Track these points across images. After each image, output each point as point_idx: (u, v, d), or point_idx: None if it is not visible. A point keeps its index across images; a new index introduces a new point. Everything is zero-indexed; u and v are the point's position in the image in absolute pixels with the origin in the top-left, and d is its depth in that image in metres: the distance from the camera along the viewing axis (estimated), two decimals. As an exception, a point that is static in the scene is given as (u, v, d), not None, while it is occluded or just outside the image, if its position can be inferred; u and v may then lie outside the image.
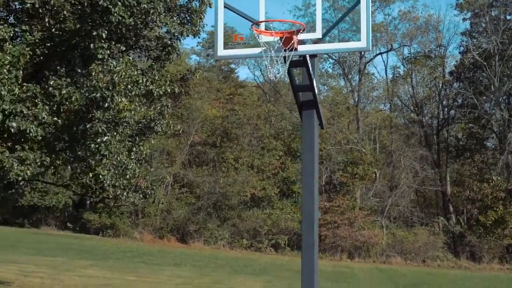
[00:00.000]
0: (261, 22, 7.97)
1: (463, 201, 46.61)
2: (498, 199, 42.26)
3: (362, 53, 49.55)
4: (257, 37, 8.07)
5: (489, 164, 45.12)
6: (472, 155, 46.35)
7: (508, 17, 46.04)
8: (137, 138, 13.57)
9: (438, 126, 49.81)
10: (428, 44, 50.94)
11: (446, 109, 50.20)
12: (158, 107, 13.35)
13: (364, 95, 53.91)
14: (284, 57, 7.95)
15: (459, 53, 49.82)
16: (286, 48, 7.86)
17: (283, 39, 7.90)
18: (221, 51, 8.27)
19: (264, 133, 47.48)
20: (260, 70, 56.15)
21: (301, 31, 7.84)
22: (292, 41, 7.84)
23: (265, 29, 7.98)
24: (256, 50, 8.10)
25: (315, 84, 8.63)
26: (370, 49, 7.69)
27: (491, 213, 41.70)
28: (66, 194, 43.19)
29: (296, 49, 7.85)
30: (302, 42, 8.03)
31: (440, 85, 49.88)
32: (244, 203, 45.32)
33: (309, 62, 8.29)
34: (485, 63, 44.02)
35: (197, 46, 58.76)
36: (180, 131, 14.06)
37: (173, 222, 44.72)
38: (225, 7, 8.25)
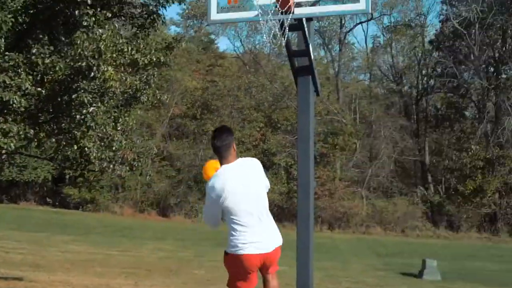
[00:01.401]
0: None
1: (442, 170, 46.91)
2: (477, 168, 42.54)
3: (343, 22, 49.34)
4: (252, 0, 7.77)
5: (468, 134, 45.28)
6: (452, 125, 46.55)
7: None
8: (122, 109, 13.21)
9: (417, 95, 49.84)
10: (408, 13, 50.83)
11: (425, 79, 50.22)
12: (145, 77, 12.99)
13: (344, 65, 53.76)
14: (281, 22, 7.66)
15: (439, 21, 49.81)
16: (283, 10, 7.56)
17: (279, 1, 7.60)
18: (215, 15, 7.95)
19: (244, 105, 47.17)
20: (241, 41, 55.76)
21: (298, -7, 7.56)
22: (289, 3, 7.55)
23: (261, -10, 7.68)
24: (251, 14, 7.79)
25: (311, 50, 8.37)
26: (369, 11, 7.42)
27: (470, 182, 41.97)
28: (45, 169, 42.64)
29: (293, 12, 7.56)
30: (299, 4, 7.74)
31: (420, 54, 49.83)
32: (225, 176, 45.11)
33: (305, 26, 8.01)
34: (465, 32, 43.97)
35: (177, 15, 58.14)
36: (167, 101, 13.73)
37: (153, 195, 44.45)
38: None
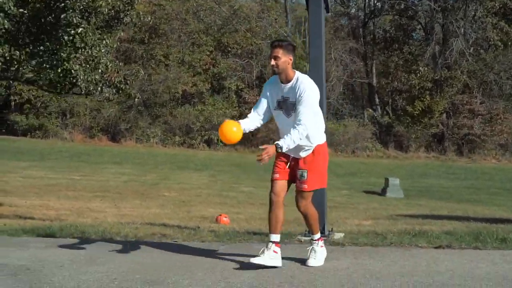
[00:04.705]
0: None
1: (389, 92, 47.68)
2: (425, 89, 43.33)
3: None
4: None
5: (416, 56, 45.87)
6: (400, 47, 47.02)
7: None
8: (104, 30, 12.88)
9: (365, 18, 49.93)
10: None
11: (373, 1, 50.27)
12: (128, -4, 12.64)
13: (291, -13, 53.33)
14: None
15: None
16: None
17: None
18: None
19: (193, 29, 46.41)
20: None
21: None
22: None
23: None
24: None
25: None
26: None
27: (418, 103, 42.81)
28: (-10, 95, 41.43)
29: None
30: None
31: (368, -25, 49.73)
32: (175, 100, 44.83)
33: None
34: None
35: None
36: (150, 23, 13.43)
37: (103, 121, 43.82)
38: None
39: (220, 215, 12.46)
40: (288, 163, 5.64)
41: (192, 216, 13.84)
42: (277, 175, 5.60)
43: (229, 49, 46.48)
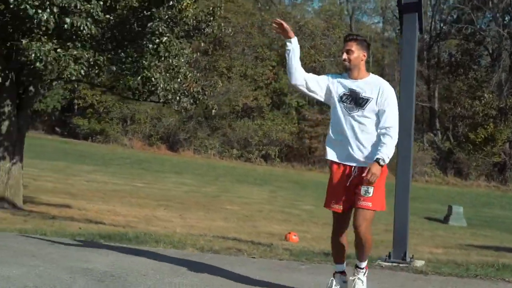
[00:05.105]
0: None
1: (451, 118, 46.88)
2: (489, 116, 42.51)
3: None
4: None
5: (481, 82, 45.04)
6: (465, 72, 46.23)
7: None
8: (183, 40, 12.92)
9: (430, 41, 49.31)
10: (425, -44, 49.86)
11: (440, 24, 49.65)
12: (211, 8, 12.66)
13: (358, 7, 53.12)
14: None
15: (457, -33, 48.91)
16: None
17: None
18: None
19: (257, 43, 46.59)
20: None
21: None
22: None
23: None
24: None
25: (422, -15, 8.13)
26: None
27: (481, 130, 41.99)
28: (55, 98, 42.18)
29: None
30: None
31: (435, -1, 49.19)
32: (235, 113, 44.99)
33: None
34: (484, -22, 43.37)
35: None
36: (231, 34, 13.43)
37: (163, 130, 44.26)
38: None
39: (289, 233, 12.30)
40: (351, 178, 4.78)
41: (259, 232, 13.72)
42: (337, 206, 4.81)
43: (293, 64, 46.42)
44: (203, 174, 31.53)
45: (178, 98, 12.25)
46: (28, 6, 10.10)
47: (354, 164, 4.73)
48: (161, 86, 11.88)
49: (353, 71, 4.86)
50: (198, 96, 12.66)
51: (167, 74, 12.26)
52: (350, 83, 4.85)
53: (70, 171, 26.14)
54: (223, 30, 13.06)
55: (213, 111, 13.18)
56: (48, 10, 10.52)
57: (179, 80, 12.34)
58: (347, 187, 4.76)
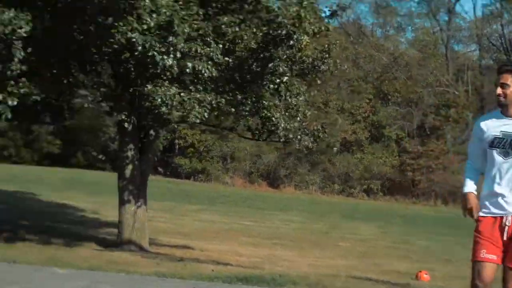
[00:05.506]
0: None
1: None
2: None
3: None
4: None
5: None
6: None
7: None
8: (300, 79, 12.97)
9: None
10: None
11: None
12: (326, 45, 12.68)
13: (453, 36, 52.19)
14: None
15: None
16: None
17: None
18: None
19: (352, 76, 46.42)
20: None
21: None
22: None
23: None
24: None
25: None
26: None
27: None
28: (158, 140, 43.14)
29: None
30: None
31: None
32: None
33: None
34: None
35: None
36: (347, 71, 13.41)
37: (263, 167, 44.51)
38: None
39: (420, 271, 11.97)
40: (506, 231, 4.43)
41: (384, 270, 13.38)
42: (486, 254, 4.47)
43: (389, 97, 46.04)
44: (308, 210, 31.35)
45: (299, 137, 12.24)
46: (155, 53, 10.36)
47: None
48: (282, 125, 11.92)
49: (508, 108, 4.53)
50: (318, 134, 12.63)
51: (287, 113, 12.30)
52: (503, 124, 4.52)
53: (178, 211, 26.47)
54: (338, 67, 13.03)
55: (334, 149, 13.13)
56: (172, 55, 10.78)
57: (298, 118, 12.35)
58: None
